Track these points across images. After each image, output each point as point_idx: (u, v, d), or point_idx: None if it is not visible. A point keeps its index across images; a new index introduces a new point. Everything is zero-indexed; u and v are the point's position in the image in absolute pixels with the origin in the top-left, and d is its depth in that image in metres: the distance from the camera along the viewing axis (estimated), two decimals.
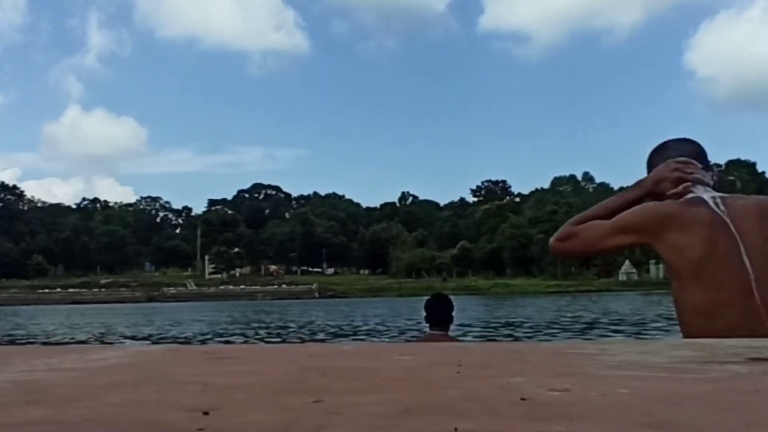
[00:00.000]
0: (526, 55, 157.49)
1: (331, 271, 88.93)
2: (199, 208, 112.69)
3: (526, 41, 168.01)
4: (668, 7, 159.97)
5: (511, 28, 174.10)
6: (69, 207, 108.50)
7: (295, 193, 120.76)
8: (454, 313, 3.70)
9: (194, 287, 71.90)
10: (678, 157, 1.84)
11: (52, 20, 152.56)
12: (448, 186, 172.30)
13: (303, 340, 11.32)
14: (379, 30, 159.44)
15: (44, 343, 11.75)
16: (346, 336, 12.06)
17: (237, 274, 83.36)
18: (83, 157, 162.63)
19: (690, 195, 1.75)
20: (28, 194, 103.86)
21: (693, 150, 1.86)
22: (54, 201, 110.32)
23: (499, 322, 14.77)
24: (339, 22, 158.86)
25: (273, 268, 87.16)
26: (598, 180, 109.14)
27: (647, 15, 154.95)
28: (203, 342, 11.59)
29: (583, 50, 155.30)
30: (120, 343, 11.95)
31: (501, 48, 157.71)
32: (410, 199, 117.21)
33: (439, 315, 3.64)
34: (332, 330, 13.83)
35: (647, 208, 1.75)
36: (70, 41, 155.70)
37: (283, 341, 11.30)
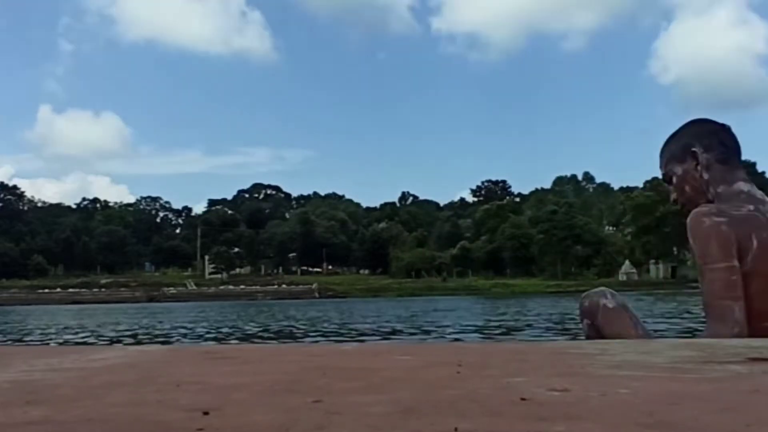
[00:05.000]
0: (519, 53, 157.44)
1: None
2: (199, 208, 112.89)
3: (496, 44, 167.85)
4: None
5: (474, 29, 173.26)
6: (69, 207, 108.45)
7: (295, 193, 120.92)
8: None
9: (194, 287, 71.82)
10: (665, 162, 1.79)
11: (44, 21, 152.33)
12: (448, 186, 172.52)
13: (303, 341, 11.30)
14: (371, 32, 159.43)
15: (44, 343, 11.75)
16: (346, 336, 12.05)
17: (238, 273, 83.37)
18: (82, 157, 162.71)
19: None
20: (28, 194, 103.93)
21: (677, 149, 1.77)
22: (48, 201, 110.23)
23: (499, 322, 14.77)
24: (332, 23, 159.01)
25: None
26: (598, 180, 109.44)
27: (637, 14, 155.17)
28: (203, 342, 11.59)
29: (577, 50, 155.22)
30: (120, 343, 11.95)
31: (492, 48, 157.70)
32: (410, 199, 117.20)
33: None
34: (332, 330, 13.81)
35: (720, 243, 1.55)
36: (59, 43, 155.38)
37: (283, 341, 11.29)
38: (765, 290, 1.50)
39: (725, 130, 1.74)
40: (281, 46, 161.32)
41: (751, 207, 1.59)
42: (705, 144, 1.71)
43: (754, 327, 1.49)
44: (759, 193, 1.65)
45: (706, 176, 1.69)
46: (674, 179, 1.77)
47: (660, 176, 1.86)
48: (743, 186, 1.66)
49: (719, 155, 1.70)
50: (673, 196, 1.79)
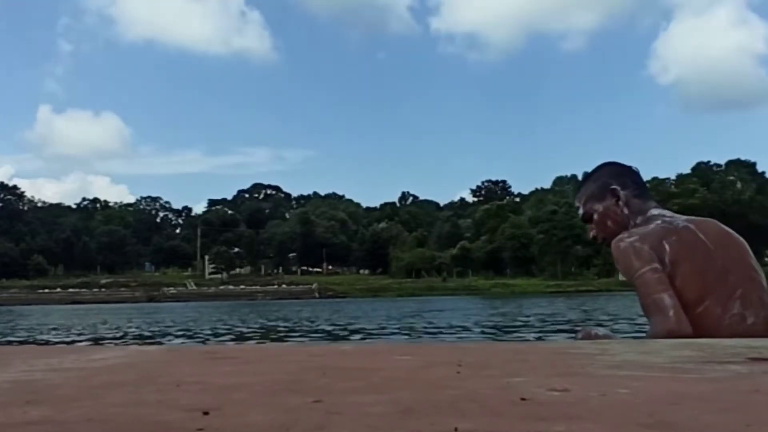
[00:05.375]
0: (519, 53, 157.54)
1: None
2: (199, 208, 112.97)
3: (491, 44, 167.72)
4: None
5: (473, 29, 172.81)
6: (69, 207, 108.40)
7: (295, 193, 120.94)
8: None
9: (194, 287, 71.80)
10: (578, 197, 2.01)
11: (43, 21, 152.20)
12: (448, 186, 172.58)
13: (303, 340, 11.30)
14: (370, 32, 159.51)
15: (44, 342, 11.75)
16: (346, 336, 12.06)
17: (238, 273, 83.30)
18: (82, 157, 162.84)
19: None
20: (28, 194, 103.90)
21: (596, 188, 1.95)
22: (48, 201, 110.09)
23: (500, 322, 14.77)
24: (331, 23, 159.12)
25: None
26: None
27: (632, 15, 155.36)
28: (203, 342, 11.58)
29: (577, 50, 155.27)
30: (120, 343, 11.95)
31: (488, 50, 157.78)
32: (410, 199, 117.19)
33: None
34: (332, 330, 13.81)
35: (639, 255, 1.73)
36: (59, 43, 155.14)
37: (283, 341, 11.29)
38: (687, 283, 1.66)
39: (634, 171, 1.97)
40: (281, 46, 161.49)
41: (659, 221, 1.79)
42: (621, 182, 1.92)
43: (691, 316, 1.62)
44: (668, 213, 1.84)
45: (626, 211, 1.89)
46: (595, 216, 1.94)
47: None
48: (654, 211, 1.85)
49: (634, 191, 1.91)
50: (593, 233, 1.96)
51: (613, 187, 1.90)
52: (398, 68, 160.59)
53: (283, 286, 71.34)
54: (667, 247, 1.69)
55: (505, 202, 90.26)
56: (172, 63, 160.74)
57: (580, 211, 1.98)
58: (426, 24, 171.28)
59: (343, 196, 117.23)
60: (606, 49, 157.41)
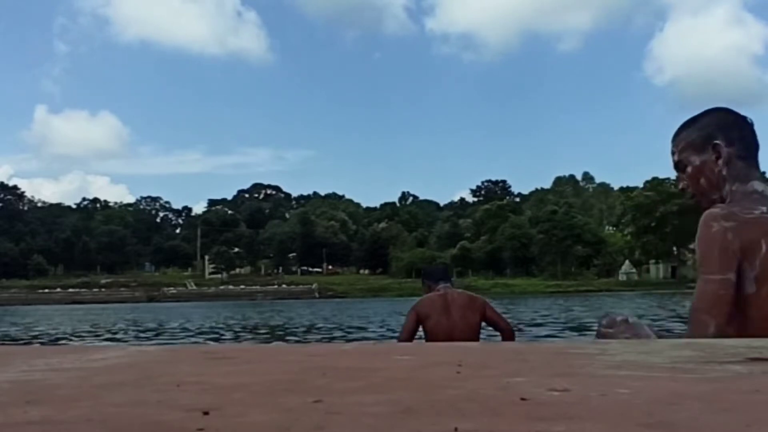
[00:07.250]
0: (515, 54, 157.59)
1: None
2: (199, 208, 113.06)
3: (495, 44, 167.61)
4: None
5: (469, 30, 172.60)
6: (69, 207, 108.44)
7: (295, 193, 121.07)
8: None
9: (194, 287, 71.82)
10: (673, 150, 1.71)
11: (39, 22, 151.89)
12: (448, 186, 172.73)
13: (303, 340, 11.30)
14: (366, 33, 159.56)
15: (44, 342, 11.74)
16: (345, 336, 12.05)
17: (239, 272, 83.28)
18: (81, 157, 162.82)
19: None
20: (28, 194, 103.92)
21: (697, 138, 1.66)
22: (47, 201, 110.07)
23: None
24: (327, 24, 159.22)
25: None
26: (598, 180, 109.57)
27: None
28: (203, 342, 11.58)
29: (573, 50, 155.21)
30: (120, 343, 11.94)
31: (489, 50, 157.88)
32: (410, 199, 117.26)
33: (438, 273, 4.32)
34: (332, 330, 13.81)
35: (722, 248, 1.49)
36: (55, 43, 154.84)
37: (283, 341, 11.29)
38: None
39: (748, 124, 1.66)
40: (277, 47, 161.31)
41: (764, 209, 1.52)
42: (728, 137, 1.62)
43: None
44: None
45: (724, 172, 1.61)
46: (689, 168, 1.67)
47: (672, 162, 1.75)
48: (757, 185, 1.57)
49: (740, 151, 1.61)
50: (683, 184, 1.70)
51: (717, 141, 1.62)
52: (394, 68, 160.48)
53: (283, 286, 71.37)
54: (764, 247, 1.46)
55: (505, 202, 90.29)
56: (169, 63, 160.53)
57: (675, 158, 1.71)
58: (421, 24, 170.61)
59: (343, 196, 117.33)
60: (602, 49, 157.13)
